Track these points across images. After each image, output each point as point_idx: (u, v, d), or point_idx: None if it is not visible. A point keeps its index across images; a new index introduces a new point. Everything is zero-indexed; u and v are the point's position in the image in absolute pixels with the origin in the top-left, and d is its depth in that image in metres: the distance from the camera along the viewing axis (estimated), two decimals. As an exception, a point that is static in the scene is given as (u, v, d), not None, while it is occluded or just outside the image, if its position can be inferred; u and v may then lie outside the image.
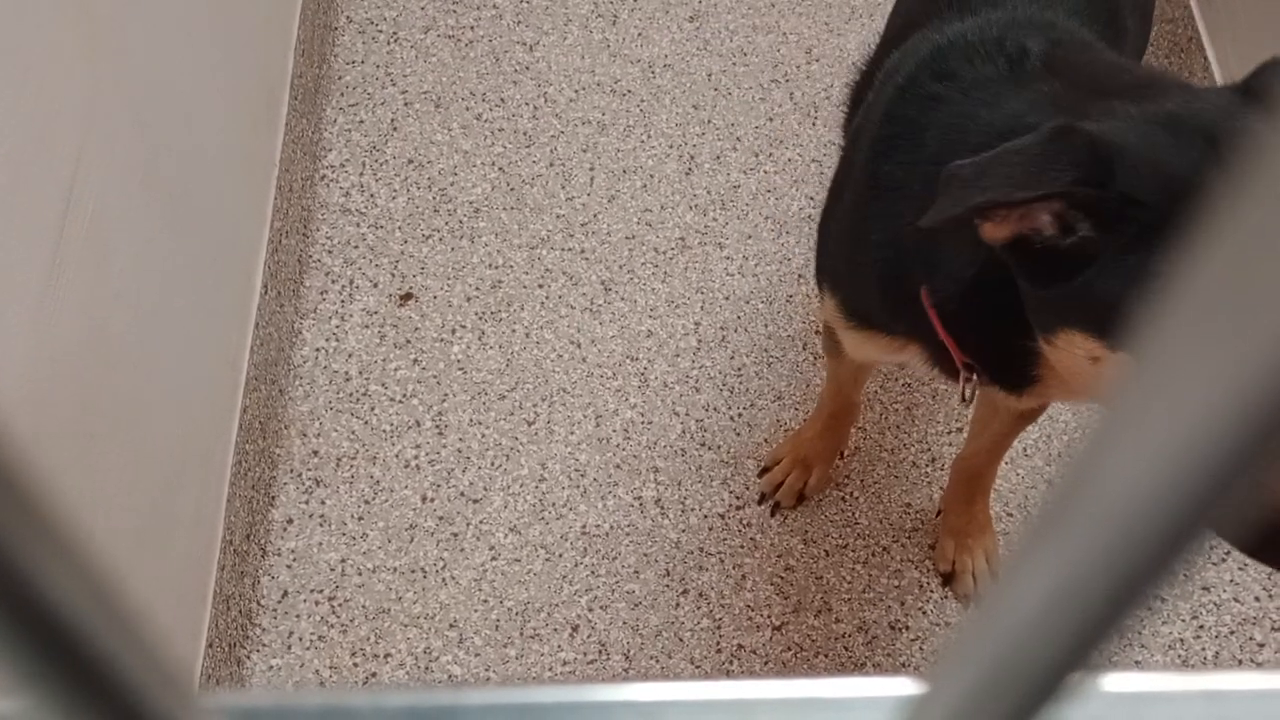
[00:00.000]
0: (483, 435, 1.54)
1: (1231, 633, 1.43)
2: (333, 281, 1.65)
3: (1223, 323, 0.10)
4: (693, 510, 1.50)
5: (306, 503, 1.49)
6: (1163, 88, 0.85)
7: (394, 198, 1.73)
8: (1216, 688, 0.25)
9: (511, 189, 1.74)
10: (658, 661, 1.40)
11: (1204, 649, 1.42)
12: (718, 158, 1.78)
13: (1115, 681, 0.26)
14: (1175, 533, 0.11)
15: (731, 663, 1.41)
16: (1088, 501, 0.12)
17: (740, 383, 1.59)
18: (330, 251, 1.68)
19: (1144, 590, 0.12)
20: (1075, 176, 0.74)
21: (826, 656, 1.42)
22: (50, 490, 0.17)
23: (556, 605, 1.43)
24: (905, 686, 0.21)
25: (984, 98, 0.93)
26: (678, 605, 1.44)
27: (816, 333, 1.62)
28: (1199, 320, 0.10)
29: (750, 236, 1.70)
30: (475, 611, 1.42)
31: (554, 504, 1.49)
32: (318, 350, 1.60)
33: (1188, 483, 0.11)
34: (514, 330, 1.62)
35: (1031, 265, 0.80)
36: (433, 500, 1.49)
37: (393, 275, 1.66)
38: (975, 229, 0.79)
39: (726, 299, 1.65)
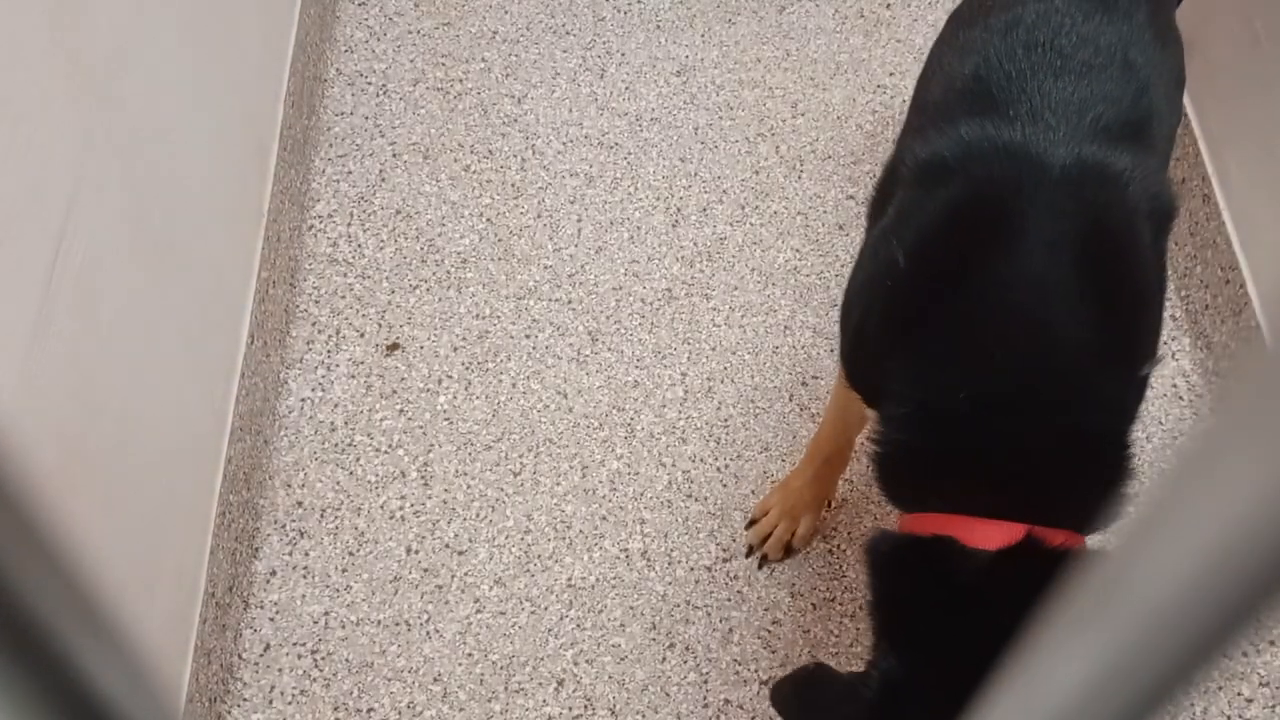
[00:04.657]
0: (468, 486, 1.53)
1: (1219, 688, 1.42)
2: (319, 331, 1.65)
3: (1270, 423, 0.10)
4: (679, 563, 1.49)
5: (290, 554, 1.47)
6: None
7: (381, 248, 1.73)
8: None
9: (499, 240, 1.75)
10: (644, 717, 1.39)
11: (1192, 704, 1.41)
12: (704, 210, 1.79)
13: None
14: (1220, 624, 0.11)
15: (718, 718, 1.39)
16: (1130, 592, 0.12)
17: (727, 434, 1.58)
18: (317, 301, 1.68)
19: (1182, 683, 0.12)
20: None
21: (814, 711, 1.41)
22: (59, 533, 0.17)
23: (541, 659, 1.42)
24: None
25: None
26: (664, 659, 1.42)
27: (803, 384, 1.63)
28: (1247, 420, 0.10)
29: (736, 288, 1.71)
30: (459, 665, 1.41)
31: (539, 556, 1.48)
32: (303, 400, 1.59)
33: (1236, 573, 0.11)
34: (500, 380, 1.62)
35: None
36: (417, 552, 1.48)
37: (379, 325, 1.66)
38: None
39: (713, 350, 1.65)
